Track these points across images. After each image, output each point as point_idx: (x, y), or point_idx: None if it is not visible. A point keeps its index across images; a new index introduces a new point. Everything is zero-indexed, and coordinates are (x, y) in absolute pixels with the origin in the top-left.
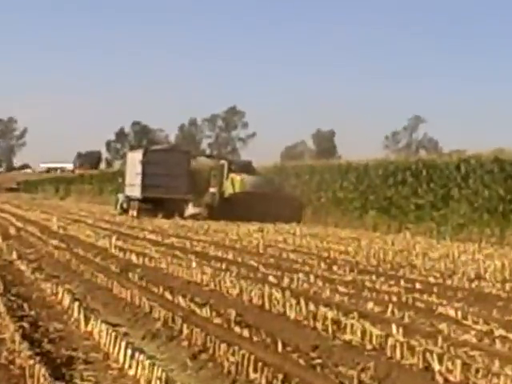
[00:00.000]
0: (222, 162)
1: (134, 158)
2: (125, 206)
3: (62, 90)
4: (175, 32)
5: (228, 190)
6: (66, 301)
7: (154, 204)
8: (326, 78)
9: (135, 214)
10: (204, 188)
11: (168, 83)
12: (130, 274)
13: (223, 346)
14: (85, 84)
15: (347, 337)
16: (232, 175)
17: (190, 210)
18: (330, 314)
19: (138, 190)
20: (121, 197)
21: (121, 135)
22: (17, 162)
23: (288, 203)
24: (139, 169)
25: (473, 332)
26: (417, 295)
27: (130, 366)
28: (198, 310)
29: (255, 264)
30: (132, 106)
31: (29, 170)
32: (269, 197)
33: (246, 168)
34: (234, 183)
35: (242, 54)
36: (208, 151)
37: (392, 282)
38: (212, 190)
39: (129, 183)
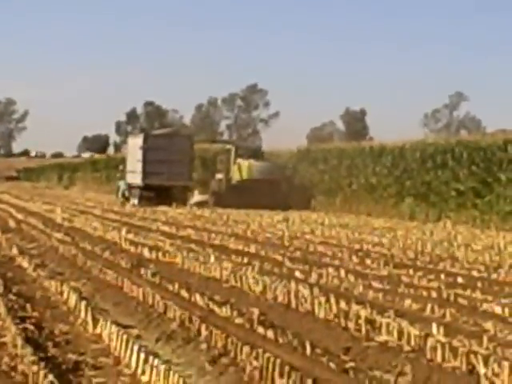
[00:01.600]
0: (229, 146)
1: (135, 144)
2: (126, 194)
3: (66, 67)
4: (194, 5)
5: (235, 176)
6: (72, 300)
7: (156, 192)
8: (356, 52)
9: (136, 202)
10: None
11: (184, 60)
12: (142, 270)
13: (246, 349)
14: (92, 61)
15: (382, 338)
16: (239, 161)
17: (196, 197)
18: (364, 313)
19: (139, 178)
20: (122, 184)
21: (132, 116)
22: (16, 147)
23: (297, 190)
24: (140, 155)
25: None
26: (459, 291)
27: (143, 372)
28: (217, 310)
29: (280, 258)
30: (145, 85)
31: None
32: (277, 184)
33: (255, 153)
34: (242, 169)
35: (263, 26)
36: (226, 133)
37: (431, 277)
38: (218, 176)
39: (130, 170)
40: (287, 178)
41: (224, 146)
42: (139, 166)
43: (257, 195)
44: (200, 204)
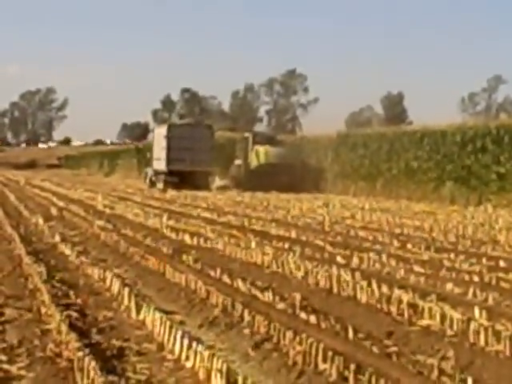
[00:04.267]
0: (247, 134)
1: (160, 133)
2: (153, 179)
3: (104, 57)
4: None
5: (253, 161)
6: (115, 287)
7: (179, 177)
8: (394, 36)
9: (161, 186)
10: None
11: (221, 45)
12: (184, 257)
13: (288, 334)
14: (129, 49)
15: (425, 322)
16: (256, 147)
17: (218, 182)
18: (406, 297)
19: (163, 164)
20: (149, 171)
21: (167, 103)
22: (57, 136)
23: (311, 173)
24: (164, 143)
25: None
26: (501, 274)
27: (186, 358)
28: (259, 295)
29: (321, 243)
30: (182, 71)
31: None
32: (292, 167)
33: (270, 140)
34: (259, 155)
35: (300, 10)
36: (266, 119)
37: (473, 261)
38: (237, 162)
39: (156, 157)
40: (301, 161)
41: (242, 133)
42: (164, 154)
43: (273, 178)
44: (222, 188)
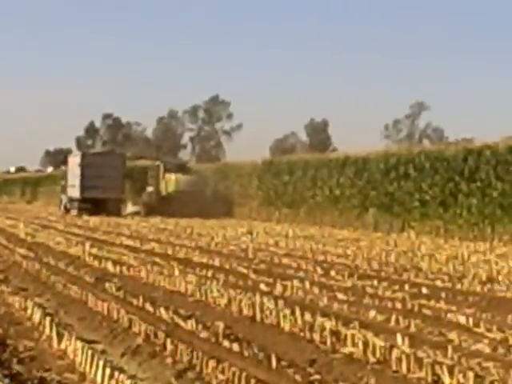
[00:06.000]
0: (158, 162)
1: (74, 162)
2: (68, 206)
3: (23, 79)
4: (150, 15)
5: (164, 189)
6: (37, 316)
7: (92, 204)
8: (317, 62)
9: (75, 213)
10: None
11: (143, 71)
12: (107, 285)
13: (211, 363)
14: (50, 72)
15: (348, 349)
16: (167, 175)
17: (130, 208)
18: (329, 325)
19: (77, 191)
20: (64, 198)
21: (90, 130)
22: None
23: (219, 200)
24: (78, 171)
25: (486, 341)
26: (423, 301)
27: None
28: (182, 323)
29: (244, 270)
30: (104, 97)
31: None
32: (201, 194)
33: (181, 168)
34: (169, 182)
35: (223, 37)
36: (190, 146)
37: (396, 288)
38: (149, 189)
39: (70, 185)
40: (211, 189)
41: (154, 162)
42: (78, 181)
43: (183, 205)
44: (133, 214)
